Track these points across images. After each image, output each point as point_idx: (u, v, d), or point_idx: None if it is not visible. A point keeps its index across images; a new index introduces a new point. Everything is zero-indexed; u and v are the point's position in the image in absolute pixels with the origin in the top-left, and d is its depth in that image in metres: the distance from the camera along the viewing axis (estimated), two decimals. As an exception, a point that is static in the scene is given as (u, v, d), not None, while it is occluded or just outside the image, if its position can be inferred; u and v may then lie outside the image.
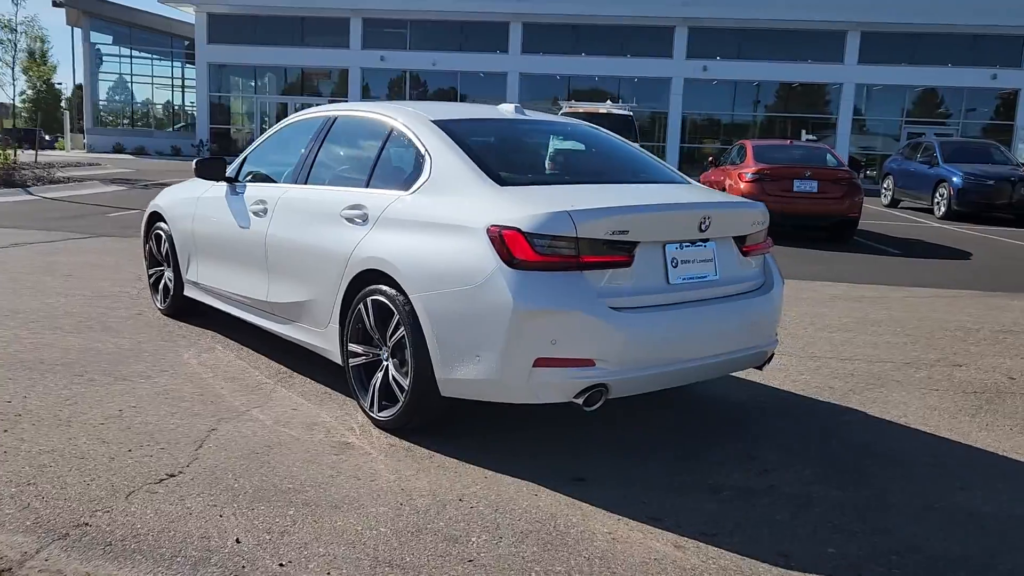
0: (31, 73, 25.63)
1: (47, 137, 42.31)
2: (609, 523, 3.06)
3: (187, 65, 41.48)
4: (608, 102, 24.09)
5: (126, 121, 42.60)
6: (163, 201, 5.99)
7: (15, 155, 20.93)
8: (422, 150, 3.95)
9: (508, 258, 3.31)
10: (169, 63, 42.47)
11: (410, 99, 36.78)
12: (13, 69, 22.24)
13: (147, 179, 20.81)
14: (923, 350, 5.93)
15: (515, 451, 3.72)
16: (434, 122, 4.06)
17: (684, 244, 3.66)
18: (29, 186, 16.39)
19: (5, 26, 21.63)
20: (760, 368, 4.17)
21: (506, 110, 4.58)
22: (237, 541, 2.80)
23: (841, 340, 6.15)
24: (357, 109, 4.64)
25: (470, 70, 36.36)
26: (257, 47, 36.48)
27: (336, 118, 4.67)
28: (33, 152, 24.19)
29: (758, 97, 36.46)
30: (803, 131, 32.73)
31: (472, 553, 2.79)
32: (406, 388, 3.69)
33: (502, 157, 4.15)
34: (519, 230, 3.31)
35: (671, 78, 35.14)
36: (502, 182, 3.66)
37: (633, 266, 3.47)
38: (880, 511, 3.28)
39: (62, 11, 37.79)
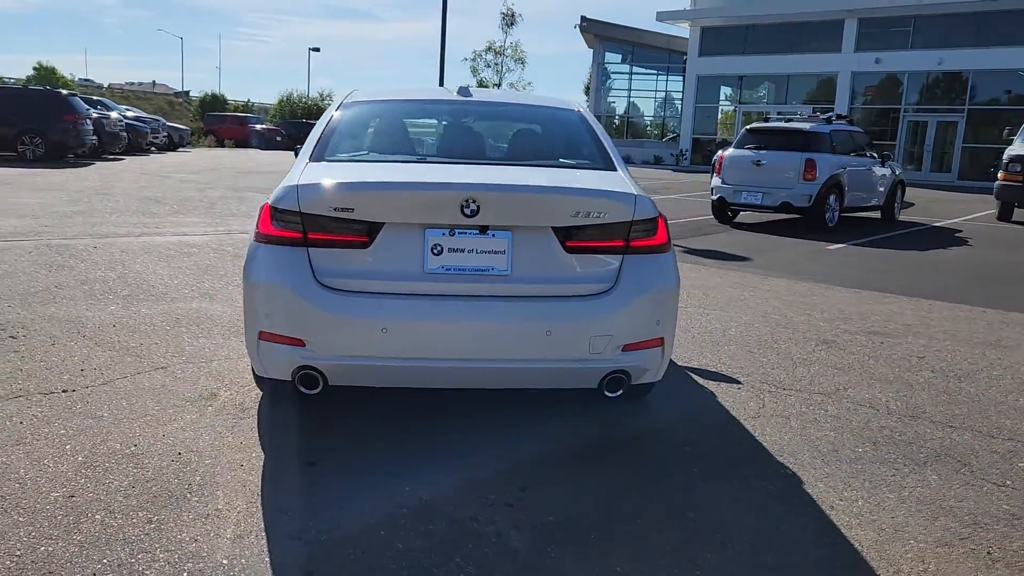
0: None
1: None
2: (224, 501, 2.97)
3: (681, 78, 43.51)
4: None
5: (621, 133, 46.25)
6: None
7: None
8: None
9: (258, 231, 3.37)
10: (665, 77, 44.99)
11: (906, 105, 33.38)
12: (499, 87, 26.11)
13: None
14: None
15: (315, 430, 3.69)
16: (343, 103, 4.16)
17: (457, 230, 3.22)
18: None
19: (495, 50, 25.53)
20: (606, 392, 3.39)
21: (445, 91, 4.44)
22: (-14, 440, 3.45)
23: (983, 400, 4.38)
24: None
25: (985, 68, 31.45)
26: (744, 57, 36.69)
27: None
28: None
29: None
30: None
31: (34, 496, 2.96)
32: (251, 353, 3.94)
33: (363, 135, 4.05)
34: (268, 204, 3.34)
35: None
36: (317, 158, 3.66)
37: (373, 248, 3.21)
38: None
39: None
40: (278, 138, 43.06)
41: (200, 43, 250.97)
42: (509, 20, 24.81)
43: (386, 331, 3.15)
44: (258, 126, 45.02)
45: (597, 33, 42.23)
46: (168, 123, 34.48)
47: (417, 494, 3.09)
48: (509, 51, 25.28)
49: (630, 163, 40.40)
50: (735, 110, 38.52)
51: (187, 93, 62.99)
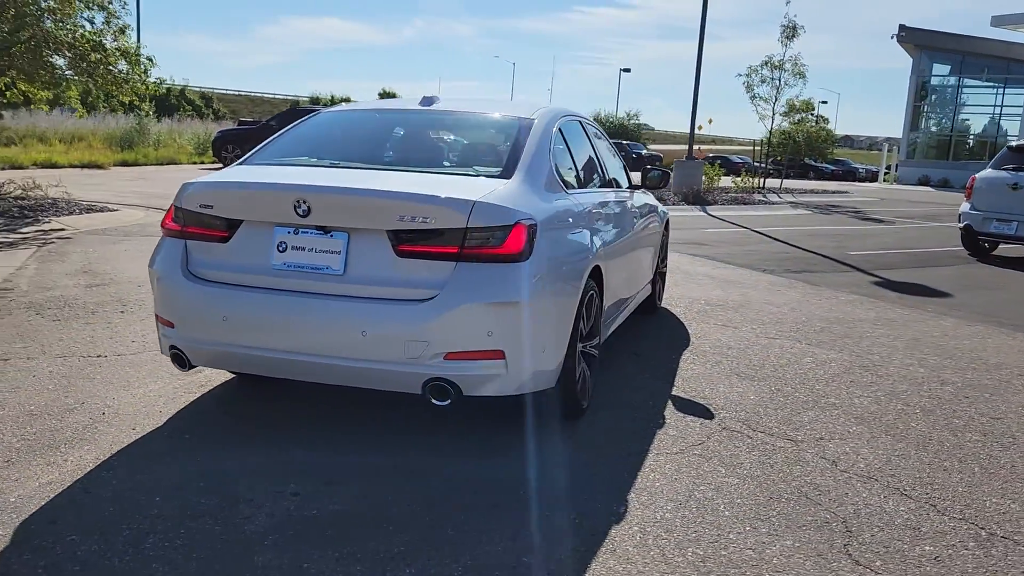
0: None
1: (861, 169, 44.59)
2: (79, 455, 3.41)
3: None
4: None
5: (945, 154, 40.99)
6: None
7: (761, 182, 23.93)
8: None
9: (161, 224, 3.82)
10: (1002, 90, 39.26)
11: None
12: (774, 104, 24.75)
13: (862, 208, 20.83)
14: None
15: (239, 412, 4.06)
16: (318, 112, 4.50)
17: (301, 230, 3.38)
18: (710, 204, 18.85)
19: (773, 65, 24.24)
20: (433, 400, 3.30)
21: (408, 101, 4.60)
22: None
23: (999, 476, 3.49)
24: None
25: None
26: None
27: None
28: (779, 180, 26.94)
29: None
30: None
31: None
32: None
33: (303, 142, 4.24)
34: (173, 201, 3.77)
35: None
36: (243, 163, 4.01)
37: (231, 243, 3.48)
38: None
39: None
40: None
41: (541, 67, 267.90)
42: (790, 32, 23.35)
43: (225, 320, 3.42)
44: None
45: (918, 43, 38.28)
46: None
47: (237, 493, 3.17)
48: (788, 65, 23.79)
49: (945, 187, 35.55)
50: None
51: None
